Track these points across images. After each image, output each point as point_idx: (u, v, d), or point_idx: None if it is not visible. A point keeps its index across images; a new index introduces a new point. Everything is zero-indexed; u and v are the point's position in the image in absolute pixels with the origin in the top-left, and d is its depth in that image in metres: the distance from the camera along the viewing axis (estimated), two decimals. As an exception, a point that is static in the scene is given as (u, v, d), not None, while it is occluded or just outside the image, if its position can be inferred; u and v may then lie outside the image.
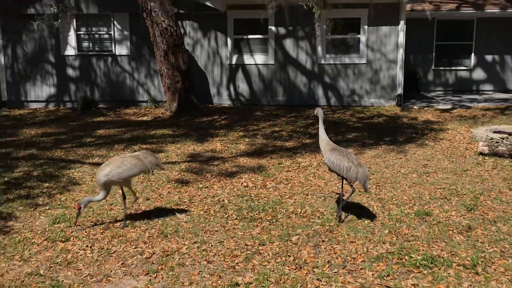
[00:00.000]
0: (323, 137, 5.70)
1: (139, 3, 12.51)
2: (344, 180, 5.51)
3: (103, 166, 5.28)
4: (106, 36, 14.67)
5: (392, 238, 5.00)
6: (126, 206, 5.58)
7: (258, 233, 5.21)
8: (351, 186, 5.43)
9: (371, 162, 8.01)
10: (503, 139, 8.22)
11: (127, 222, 5.50)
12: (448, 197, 6.19)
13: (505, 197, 6.14)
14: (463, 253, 4.60)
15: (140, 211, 5.98)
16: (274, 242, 4.96)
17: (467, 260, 4.45)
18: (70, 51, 14.73)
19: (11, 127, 11.85)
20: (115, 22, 14.49)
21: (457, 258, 4.49)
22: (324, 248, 4.81)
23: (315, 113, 5.84)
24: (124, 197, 5.52)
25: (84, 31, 14.69)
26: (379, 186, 6.75)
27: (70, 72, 14.86)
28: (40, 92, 15.00)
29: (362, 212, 5.76)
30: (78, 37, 14.69)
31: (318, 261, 4.52)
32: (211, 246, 4.92)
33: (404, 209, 5.80)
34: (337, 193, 6.38)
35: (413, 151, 8.72)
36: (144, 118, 12.73)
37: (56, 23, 13.48)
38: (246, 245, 4.92)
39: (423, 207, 5.87)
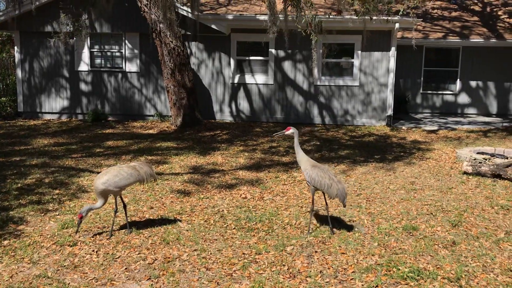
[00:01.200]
0: (301, 154, 5.48)
1: (149, 24, 12.58)
2: (325, 195, 5.46)
3: (101, 174, 5.22)
4: (118, 53, 14.73)
5: (381, 250, 4.96)
6: (127, 214, 5.54)
7: (255, 243, 5.17)
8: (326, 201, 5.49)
9: (362, 178, 7.99)
10: (486, 159, 8.23)
11: (131, 229, 5.45)
12: (434, 213, 6.16)
13: (487, 214, 6.12)
14: (447, 266, 4.56)
15: (144, 219, 5.93)
16: (269, 252, 4.91)
17: (452, 273, 4.41)
18: (83, 67, 14.78)
19: (25, 136, 11.83)
20: (126, 41, 14.56)
21: (442, 272, 4.45)
22: (317, 258, 4.76)
23: (289, 132, 5.48)
24: (124, 206, 5.47)
25: (97, 48, 14.75)
26: (369, 201, 6.72)
27: (83, 86, 14.89)
28: (54, 104, 15.01)
29: (353, 225, 5.73)
30: (91, 54, 14.75)
31: (311, 271, 4.48)
32: (210, 254, 4.87)
33: (393, 224, 5.77)
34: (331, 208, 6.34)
35: (401, 168, 8.70)
36: (151, 131, 12.72)
37: (71, 40, 13.55)
38: (243, 253, 4.87)
39: (411, 222, 5.84)
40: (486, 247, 5.06)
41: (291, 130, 5.47)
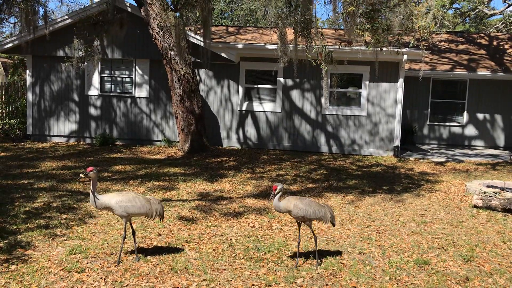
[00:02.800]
0: (286, 203, 5.17)
1: (160, 51, 12.75)
2: (302, 224, 5.43)
3: (117, 194, 5.25)
4: (128, 79, 14.90)
5: (393, 285, 4.87)
6: (136, 241, 5.49)
7: (264, 274, 5.09)
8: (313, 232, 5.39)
9: (371, 210, 7.92)
10: (496, 193, 8.15)
11: (139, 256, 5.40)
12: (445, 247, 6.07)
13: (500, 250, 6.02)
14: (461, 303, 4.47)
15: (152, 246, 5.88)
16: (279, 284, 4.83)
17: (466, 311, 4.32)
18: (93, 91, 14.94)
19: (33, 159, 11.86)
20: (136, 67, 14.75)
21: (456, 309, 4.36)
22: (328, 291, 4.68)
23: (277, 190, 5.10)
24: (133, 232, 5.44)
25: (107, 73, 14.94)
26: (379, 233, 6.65)
27: (92, 110, 15.01)
28: (62, 127, 15.11)
29: (364, 257, 5.65)
30: (101, 79, 14.93)
31: (322, 305, 4.39)
32: (219, 284, 4.80)
33: (404, 257, 5.68)
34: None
35: (410, 200, 8.63)
36: (158, 157, 12.73)
37: (82, 65, 13.74)
38: (253, 285, 4.80)
39: (422, 255, 5.75)
40: (501, 284, 4.96)
41: (278, 187, 5.11)
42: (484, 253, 5.90)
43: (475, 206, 8.13)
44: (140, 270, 5.06)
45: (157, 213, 5.44)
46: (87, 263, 5.19)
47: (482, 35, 20.60)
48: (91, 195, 5.09)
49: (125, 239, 5.42)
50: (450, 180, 10.55)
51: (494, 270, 5.34)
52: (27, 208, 7.28)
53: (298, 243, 5.46)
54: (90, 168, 5.05)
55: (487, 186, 9.15)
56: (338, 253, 5.74)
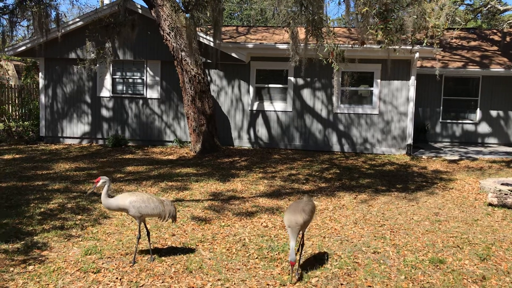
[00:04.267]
0: (295, 219, 4.94)
1: (171, 52, 12.81)
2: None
3: (131, 194, 5.31)
4: (139, 80, 14.99)
5: (409, 284, 4.84)
6: (150, 241, 5.53)
7: (279, 273, 5.09)
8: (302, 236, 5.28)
9: (384, 208, 7.88)
10: (511, 191, 8.06)
11: (154, 256, 5.44)
12: (460, 246, 6.02)
13: (517, 248, 5.96)
14: (479, 302, 4.43)
15: (166, 246, 5.91)
16: (294, 283, 4.83)
17: (483, 310, 4.28)
18: (105, 93, 15.05)
19: (47, 160, 11.98)
20: (148, 68, 14.83)
21: (473, 308, 4.32)
22: (343, 291, 4.67)
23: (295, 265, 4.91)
24: (147, 233, 5.47)
25: (119, 75, 15.04)
26: (393, 232, 6.61)
27: (104, 112, 15.13)
28: (75, 129, 15.25)
29: (378, 257, 5.62)
30: (113, 80, 15.04)
31: (337, 304, 4.38)
32: (234, 284, 4.81)
33: (419, 256, 5.64)
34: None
35: (424, 199, 8.57)
36: (170, 157, 12.79)
37: (94, 67, 13.86)
38: (268, 284, 4.80)
39: (437, 254, 5.71)
40: (518, 283, 4.91)
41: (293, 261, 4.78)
42: (501, 251, 5.83)
43: (490, 204, 8.05)
44: (155, 270, 5.09)
45: (170, 214, 5.48)
46: (102, 264, 5.24)
47: (494, 31, 20.37)
48: (102, 197, 5.20)
49: (140, 240, 5.45)
50: (464, 178, 10.46)
51: (511, 268, 5.28)
52: (42, 209, 7.36)
53: (302, 245, 5.39)
54: (97, 179, 5.16)
55: (502, 184, 9.05)
56: (353, 252, 5.72)
